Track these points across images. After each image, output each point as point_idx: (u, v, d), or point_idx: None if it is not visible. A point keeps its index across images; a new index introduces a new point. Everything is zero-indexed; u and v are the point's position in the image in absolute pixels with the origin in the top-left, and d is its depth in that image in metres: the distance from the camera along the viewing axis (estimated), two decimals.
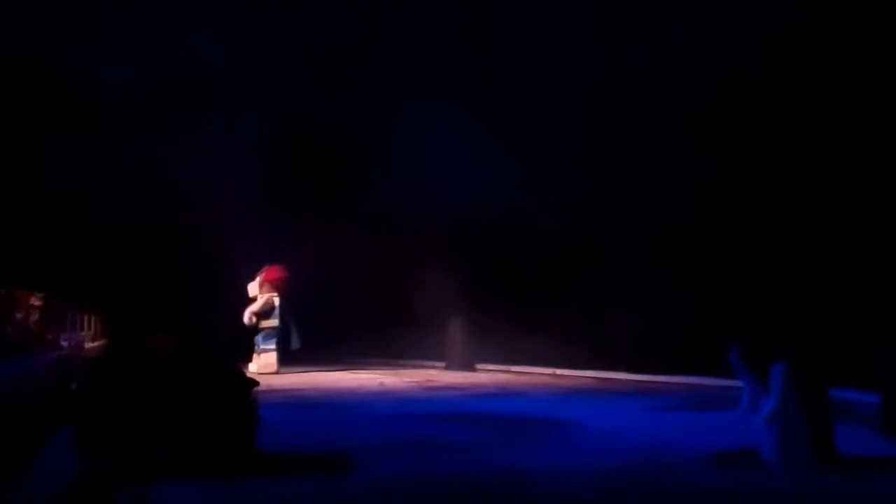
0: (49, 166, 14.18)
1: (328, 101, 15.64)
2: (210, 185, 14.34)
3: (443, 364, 14.67)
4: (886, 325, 8.15)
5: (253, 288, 14.28)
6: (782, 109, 12.88)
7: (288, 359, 14.18)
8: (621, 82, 13.84)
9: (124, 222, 15.11)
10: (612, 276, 14.43)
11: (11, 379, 7.05)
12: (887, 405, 6.84)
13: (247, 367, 13.11)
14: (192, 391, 5.44)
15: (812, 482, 5.21)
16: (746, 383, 7.90)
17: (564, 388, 11.19)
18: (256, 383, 5.95)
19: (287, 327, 14.26)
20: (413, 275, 15.38)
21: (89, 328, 12.85)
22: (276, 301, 14.24)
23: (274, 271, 14.35)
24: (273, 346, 14.07)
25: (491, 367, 14.19)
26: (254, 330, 14.12)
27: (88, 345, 12.10)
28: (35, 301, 10.01)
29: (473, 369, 14.10)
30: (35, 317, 10.01)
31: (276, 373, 13.55)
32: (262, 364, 13.80)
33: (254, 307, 14.17)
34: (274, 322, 14.19)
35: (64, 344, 10.74)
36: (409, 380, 12.52)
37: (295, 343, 14.27)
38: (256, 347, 14.08)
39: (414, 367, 15.05)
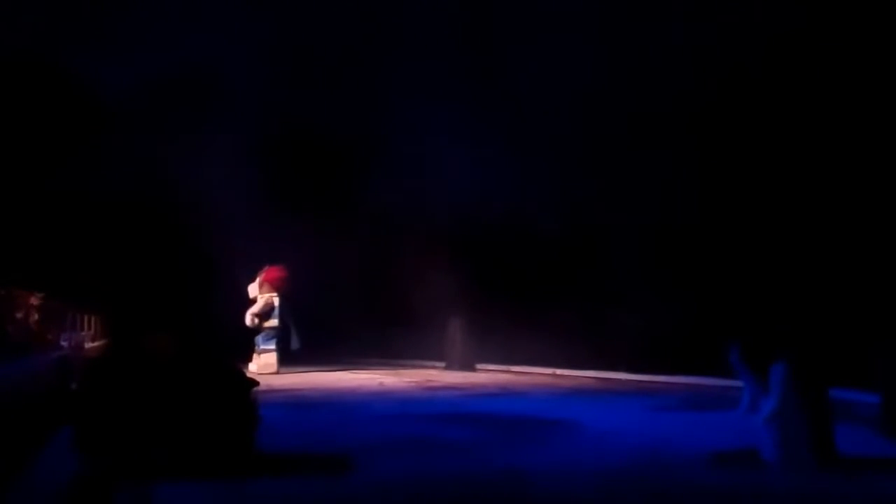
0: (49, 166, 14.17)
1: (328, 101, 15.62)
2: (210, 185, 14.32)
3: (443, 364, 14.67)
4: (886, 325, 8.14)
5: (253, 289, 14.31)
6: (782, 109, 12.88)
7: (288, 359, 14.19)
8: (621, 82, 13.83)
9: (124, 222, 15.12)
10: (612, 276, 14.42)
11: (11, 379, 7.05)
12: (887, 405, 6.85)
13: (247, 367, 13.13)
14: (192, 391, 5.44)
15: (812, 482, 5.21)
16: (746, 383, 7.91)
17: (564, 388, 11.19)
18: (256, 383, 5.96)
19: (287, 327, 14.28)
20: (413, 275, 15.37)
21: (89, 328, 12.87)
22: (276, 301, 14.26)
23: (274, 271, 14.36)
24: (273, 347, 14.10)
25: (491, 367, 14.19)
26: (254, 330, 14.14)
27: (88, 345, 12.12)
28: (35, 301, 10.02)
29: (473, 369, 14.10)
30: (35, 317, 10.02)
31: (276, 373, 13.57)
32: (262, 364, 13.82)
33: (255, 308, 14.19)
34: (274, 322, 14.21)
35: (64, 344, 10.75)
36: (409, 380, 12.52)
37: (295, 343, 14.29)
38: (256, 347, 14.11)
39: (414, 367, 15.05)
